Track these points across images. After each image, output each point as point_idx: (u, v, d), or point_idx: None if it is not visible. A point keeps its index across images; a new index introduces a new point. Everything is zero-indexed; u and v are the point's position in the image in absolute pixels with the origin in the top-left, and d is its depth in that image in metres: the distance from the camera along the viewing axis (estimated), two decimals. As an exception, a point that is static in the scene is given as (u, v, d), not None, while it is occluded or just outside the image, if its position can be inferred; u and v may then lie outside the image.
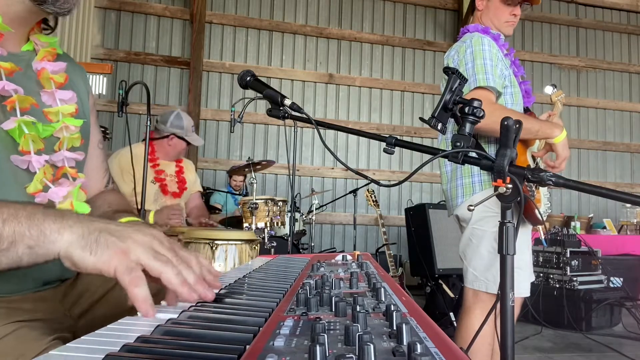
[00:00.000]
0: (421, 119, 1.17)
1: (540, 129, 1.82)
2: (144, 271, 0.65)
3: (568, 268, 4.19)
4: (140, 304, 0.60)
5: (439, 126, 1.04)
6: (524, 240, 1.93)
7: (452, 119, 1.04)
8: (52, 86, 0.95)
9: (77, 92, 1.02)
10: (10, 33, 0.88)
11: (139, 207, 2.44)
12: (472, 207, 1.14)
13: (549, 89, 2.21)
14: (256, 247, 2.69)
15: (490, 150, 1.91)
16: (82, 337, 0.50)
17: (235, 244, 2.52)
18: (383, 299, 0.66)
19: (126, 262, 0.63)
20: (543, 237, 4.45)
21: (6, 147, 0.86)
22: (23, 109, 0.87)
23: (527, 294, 1.94)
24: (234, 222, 3.76)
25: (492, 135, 1.86)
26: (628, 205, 5.31)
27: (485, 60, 1.83)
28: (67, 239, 0.65)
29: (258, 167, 4.24)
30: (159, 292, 0.68)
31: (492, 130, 1.75)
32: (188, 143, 3.03)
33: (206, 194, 4.85)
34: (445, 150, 1.02)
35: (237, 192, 4.82)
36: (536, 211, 1.84)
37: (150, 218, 2.79)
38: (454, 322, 3.39)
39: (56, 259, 0.66)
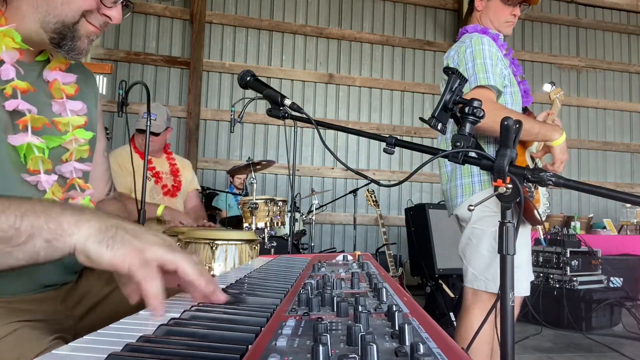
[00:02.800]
0: (421, 119, 1.17)
1: (540, 131, 1.82)
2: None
3: (568, 268, 4.19)
4: (152, 299, 0.62)
5: (439, 126, 1.04)
6: (523, 240, 1.94)
7: (452, 119, 1.05)
8: (63, 96, 0.96)
9: (87, 102, 1.03)
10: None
11: (139, 207, 2.44)
12: (472, 207, 1.14)
13: (547, 87, 2.21)
14: (256, 247, 2.69)
15: (490, 150, 1.91)
16: (84, 337, 0.50)
17: (235, 244, 2.52)
18: (385, 300, 0.66)
19: (141, 258, 0.64)
20: (542, 237, 4.46)
21: (16, 165, 0.87)
22: (35, 128, 0.89)
23: (527, 293, 1.94)
24: (234, 222, 3.76)
25: (492, 135, 1.86)
26: (628, 205, 5.32)
27: (485, 59, 1.84)
28: (84, 233, 0.66)
29: (258, 167, 4.24)
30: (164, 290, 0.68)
31: (492, 130, 1.74)
32: (143, 132, 2.93)
33: (208, 195, 4.86)
34: (445, 150, 1.02)
35: (240, 191, 4.82)
36: (535, 212, 1.85)
37: (159, 211, 2.79)
38: (454, 322, 3.39)
39: (71, 253, 0.67)
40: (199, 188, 3.31)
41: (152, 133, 2.72)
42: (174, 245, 0.70)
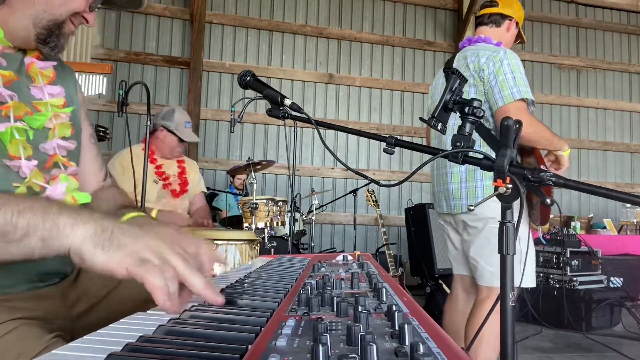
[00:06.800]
0: (421, 119, 1.17)
1: (553, 141, 2.01)
2: None
3: (568, 268, 4.19)
4: (157, 292, 0.60)
5: (439, 126, 1.03)
6: (527, 235, 2.01)
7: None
8: (41, 81, 0.99)
9: (66, 88, 1.05)
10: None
11: (140, 206, 2.44)
12: (472, 208, 1.14)
13: None
14: (256, 247, 2.69)
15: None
16: (84, 337, 0.50)
17: (235, 244, 2.52)
18: (384, 300, 0.66)
19: (137, 257, 0.64)
20: (541, 236, 4.47)
21: (0, 151, 0.88)
22: (17, 116, 0.90)
23: (534, 284, 2.08)
24: (234, 222, 3.76)
25: (529, 145, 1.98)
26: (628, 205, 5.31)
27: (522, 74, 1.97)
28: (80, 235, 0.66)
29: (258, 167, 4.24)
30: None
31: (535, 141, 1.94)
32: (182, 140, 2.99)
33: (208, 195, 4.85)
34: (445, 150, 1.02)
35: (240, 192, 4.81)
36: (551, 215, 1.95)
37: (153, 214, 2.78)
38: (454, 322, 3.39)
39: (66, 253, 0.67)
40: (205, 190, 3.29)
41: (183, 141, 2.98)
42: (174, 242, 0.69)
